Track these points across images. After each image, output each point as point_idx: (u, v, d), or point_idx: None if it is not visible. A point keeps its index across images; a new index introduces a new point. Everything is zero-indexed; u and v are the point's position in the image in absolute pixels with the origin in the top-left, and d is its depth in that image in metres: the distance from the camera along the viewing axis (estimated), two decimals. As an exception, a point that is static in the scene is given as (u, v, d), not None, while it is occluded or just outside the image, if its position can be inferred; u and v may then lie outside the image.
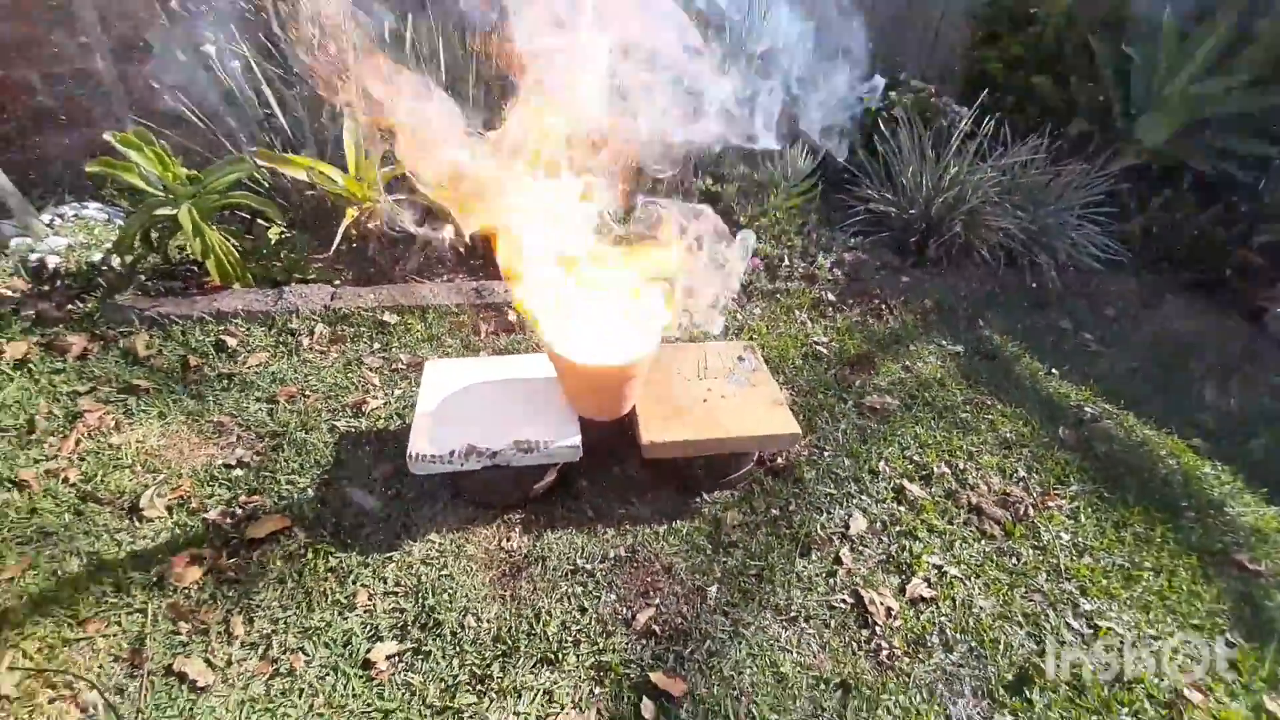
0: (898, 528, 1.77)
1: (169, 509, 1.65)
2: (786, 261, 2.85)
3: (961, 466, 1.98)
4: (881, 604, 1.56)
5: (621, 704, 1.34)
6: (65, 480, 1.69)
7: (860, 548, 1.71)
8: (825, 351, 2.42)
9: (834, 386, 2.25)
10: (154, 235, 2.36)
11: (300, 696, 1.31)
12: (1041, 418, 2.20)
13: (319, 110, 2.63)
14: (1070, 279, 2.97)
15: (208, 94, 2.65)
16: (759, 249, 2.81)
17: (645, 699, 1.34)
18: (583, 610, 1.50)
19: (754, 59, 2.44)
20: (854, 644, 1.49)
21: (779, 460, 1.93)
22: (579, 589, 1.55)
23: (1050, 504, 1.88)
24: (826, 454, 1.97)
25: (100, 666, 1.33)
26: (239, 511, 1.66)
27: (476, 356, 2.25)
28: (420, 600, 1.49)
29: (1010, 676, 1.46)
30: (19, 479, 1.67)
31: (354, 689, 1.33)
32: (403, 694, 1.33)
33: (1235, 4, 2.96)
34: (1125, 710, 1.42)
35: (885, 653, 1.47)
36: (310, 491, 1.72)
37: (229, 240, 2.35)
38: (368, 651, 1.39)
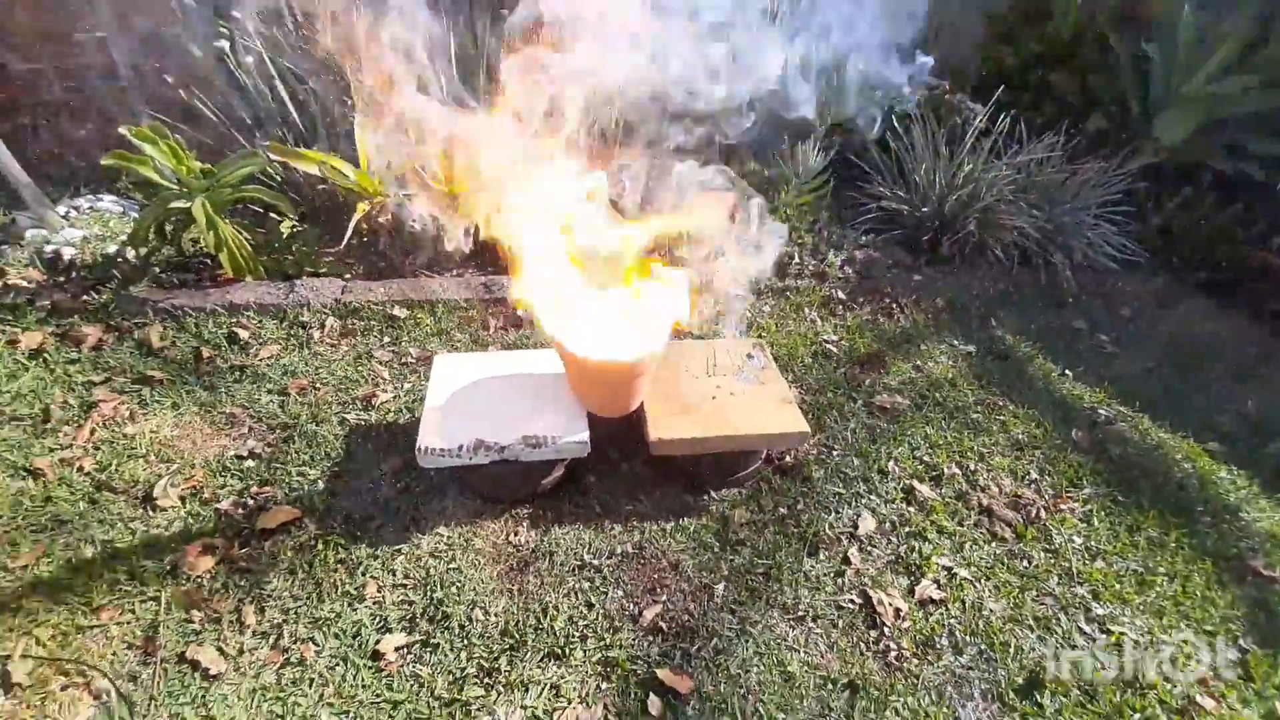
0: (907, 528, 1.76)
1: (182, 499, 1.67)
2: (797, 259, 2.84)
3: (972, 468, 1.96)
4: (890, 605, 1.55)
5: (628, 700, 1.34)
6: (80, 469, 1.71)
7: (869, 548, 1.70)
8: (835, 350, 2.41)
9: (843, 385, 2.23)
10: (168, 228, 2.38)
11: (310, 686, 1.32)
12: (1055, 419, 2.18)
13: (331, 104, 2.64)
14: (1086, 279, 2.93)
15: (222, 88, 2.67)
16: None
17: (652, 695, 1.34)
18: (590, 605, 1.51)
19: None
20: (862, 644, 1.48)
21: (787, 459, 1.92)
22: (586, 584, 1.55)
23: (1063, 507, 1.86)
24: (835, 453, 1.96)
25: (114, 654, 1.35)
26: (251, 502, 1.67)
27: (485, 351, 2.26)
28: (429, 593, 1.50)
29: (1020, 680, 1.44)
30: (34, 467, 1.69)
31: (363, 680, 1.34)
32: (411, 685, 1.34)
33: (1254, 2, 2.92)
34: (1137, 715, 1.40)
35: (894, 654, 1.46)
36: (320, 483, 1.73)
37: (242, 233, 2.37)
38: (377, 643, 1.39)
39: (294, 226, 2.62)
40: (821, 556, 1.66)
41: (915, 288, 2.79)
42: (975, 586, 1.63)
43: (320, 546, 1.57)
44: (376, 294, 2.39)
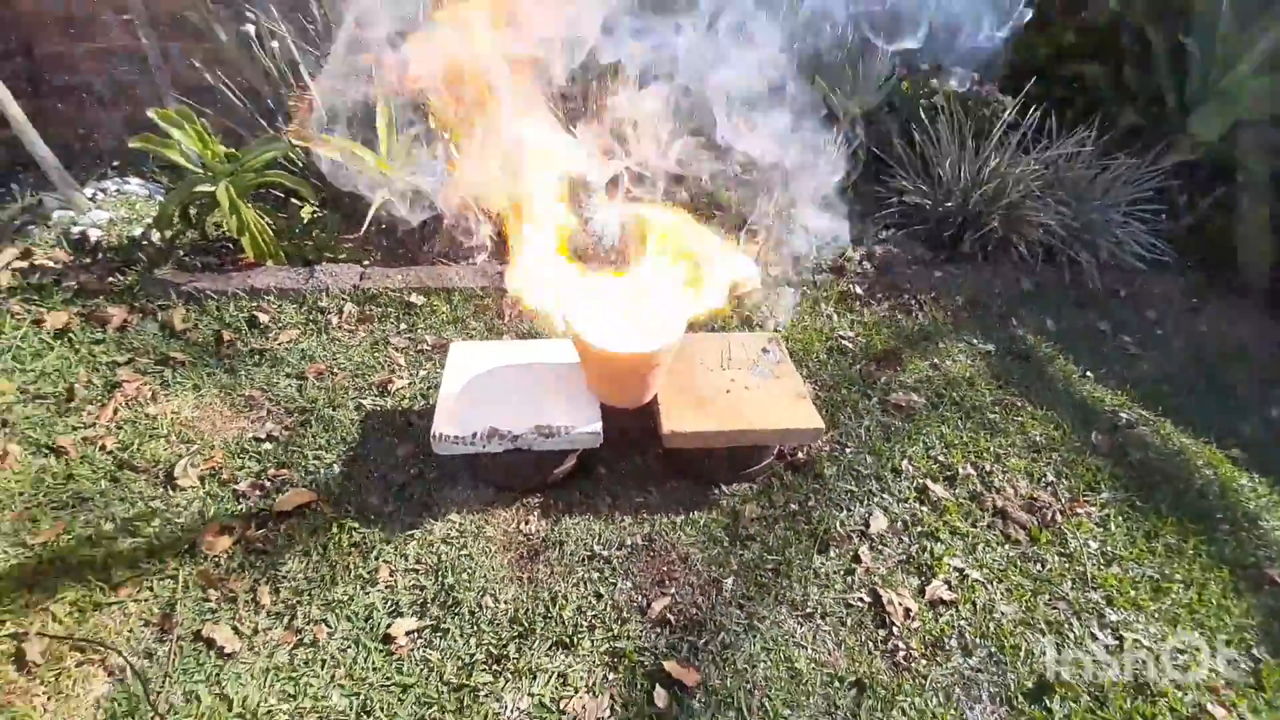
0: (919, 528, 1.74)
1: (201, 479, 1.70)
2: (814, 253, 2.81)
3: (988, 468, 1.94)
4: (900, 604, 1.54)
5: (635, 691, 1.35)
6: (102, 448, 1.74)
7: (880, 547, 1.69)
8: (851, 346, 2.39)
9: (859, 382, 2.21)
10: (193, 212, 2.41)
11: (322, 667, 1.35)
12: (1074, 421, 2.14)
13: (355, 93, 2.65)
14: (1112, 278, 2.87)
15: (247, 72, 2.69)
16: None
17: (658, 687, 1.35)
18: (599, 596, 1.52)
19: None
20: (870, 643, 1.48)
21: (800, 455, 1.91)
22: (595, 575, 1.56)
23: (1079, 511, 1.84)
24: (848, 450, 1.95)
25: (130, 630, 1.38)
26: (268, 484, 1.70)
27: (500, 339, 2.26)
28: (440, 578, 1.52)
29: (1030, 684, 1.43)
30: (57, 445, 1.73)
31: (374, 662, 1.36)
32: (421, 670, 1.36)
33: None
34: (1148, 723, 1.39)
35: (902, 653, 1.46)
36: (336, 468, 1.76)
37: (264, 218, 2.39)
38: (388, 626, 1.41)
39: (314, 212, 2.65)
40: (832, 554, 1.65)
41: (935, 284, 2.75)
42: (987, 588, 1.61)
43: (335, 530, 1.59)
44: (394, 281, 2.40)
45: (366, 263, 2.51)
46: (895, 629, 1.50)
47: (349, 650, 1.38)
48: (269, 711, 1.27)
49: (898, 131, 3.18)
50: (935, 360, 2.36)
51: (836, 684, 1.39)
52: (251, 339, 2.15)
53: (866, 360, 2.32)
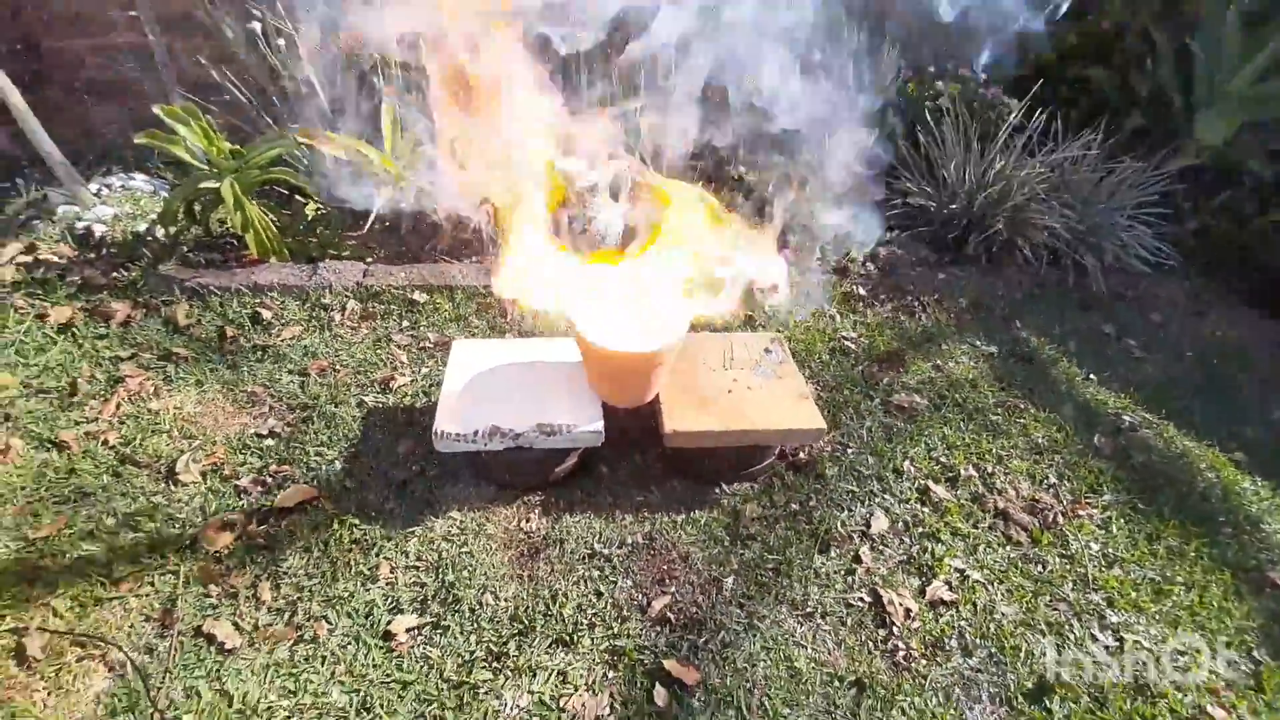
0: (920, 529, 1.74)
1: (203, 474, 1.70)
2: (818, 253, 2.81)
3: (990, 470, 1.94)
4: (900, 605, 1.54)
5: (634, 689, 1.35)
6: (105, 443, 1.75)
7: (881, 547, 1.68)
8: (854, 347, 2.38)
9: (861, 383, 2.21)
10: (197, 208, 2.42)
11: (323, 664, 1.35)
12: (1077, 424, 2.14)
13: (359, 89, 2.66)
14: (1116, 282, 2.87)
15: (253, 69, 2.69)
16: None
17: (658, 685, 1.35)
18: (599, 594, 1.52)
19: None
20: (870, 643, 1.47)
21: (801, 455, 1.91)
22: (596, 573, 1.56)
23: (1081, 513, 1.83)
24: (850, 451, 1.95)
25: (131, 626, 1.38)
26: (269, 480, 1.70)
27: (503, 338, 2.27)
28: (440, 576, 1.52)
29: (1030, 685, 1.43)
30: (59, 440, 1.73)
31: (374, 659, 1.36)
32: (421, 666, 1.36)
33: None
34: (1148, 726, 1.39)
35: (902, 653, 1.45)
36: (338, 464, 1.76)
37: (268, 215, 2.40)
38: (388, 623, 1.42)
39: (318, 209, 2.65)
40: (832, 554, 1.65)
41: (939, 286, 2.75)
42: (988, 589, 1.61)
43: (336, 526, 1.60)
44: (397, 278, 2.41)
45: (369, 260, 2.52)
46: (895, 629, 1.50)
47: (349, 647, 1.38)
48: (269, 708, 1.27)
49: (902, 133, 3.18)
50: (938, 362, 2.36)
51: (836, 683, 1.39)
52: (254, 335, 2.15)
53: (869, 361, 2.32)
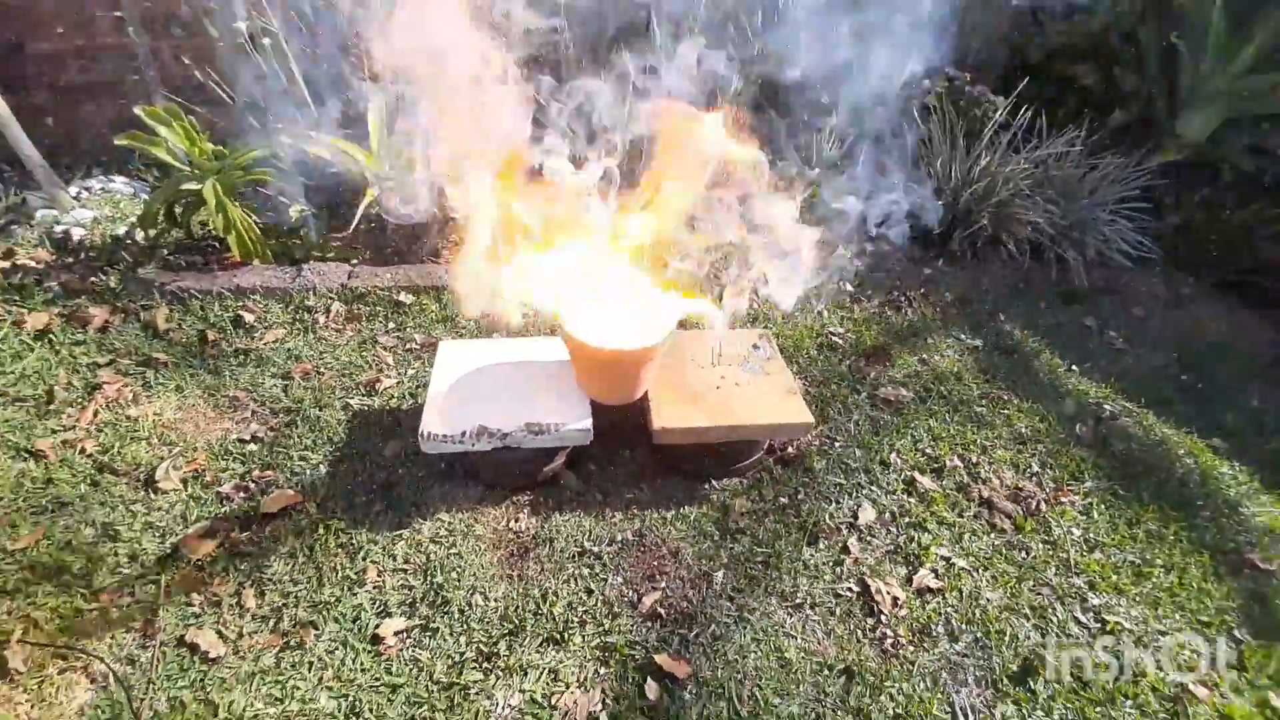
0: (907, 519, 1.76)
1: (184, 482, 1.68)
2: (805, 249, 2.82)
3: (974, 460, 1.96)
4: (888, 593, 1.55)
5: (626, 684, 1.35)
6: (82, 451, 1.72)
7: (868, 538, 1.70)
8: (841, 342, 2.40)
9: (848, 377, 2.23)
10: (178, 210, 2.39)
11: (310, 670, 1.33)
12: (1059, 414, 2.17)
13: (344, 89, 2.63)
14: (1099, 276, 2.91)
15: (236, 70, 2.66)
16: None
17: (650, 680, 1.35)
18: (589, 592, 1.51)
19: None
20: (859, 632, 1.49)
21: (789, 449, 1.92)
22: (586, 571, 1.56)
23: (1063, 500, 1.86)
24: (838, 444, 1.96)
25: (113, 637, 1.36)
26: (252, 486, 1.68)
27: (490, 338, 2.26)
28: (429, 578, 1.51)
29: (1015, 667, 1.45)
30: (36, 449, 1.70)
31: (362, 663, 1.35)
32: (410, 669, 1.35)
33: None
34: (1129, 703, 1.41)
35: (890, 641, 1.47)
36: (323, 468, 1.74)
37: (250, 216, 2.37)
38: (376, 627, 1.40)
39: (302, 210, 2.62)
40: (821, 546, 1.66)
41: (924, 281, 2.77)
42: (973, 576, 1.63)
43: (321, 531, 1.58)
44: (382, 279, 2.39)
45: (354, 261, 2.50)
46: (883, 617, 1.51)
47: (337, 652, 1.37)
48: (255, 715, 1.26)
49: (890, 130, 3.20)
50: (924, 356, 2.38)
51: (826, 672, 1.40)
52: (236, 339, 2.13)
53: (856, 356, 2.34)
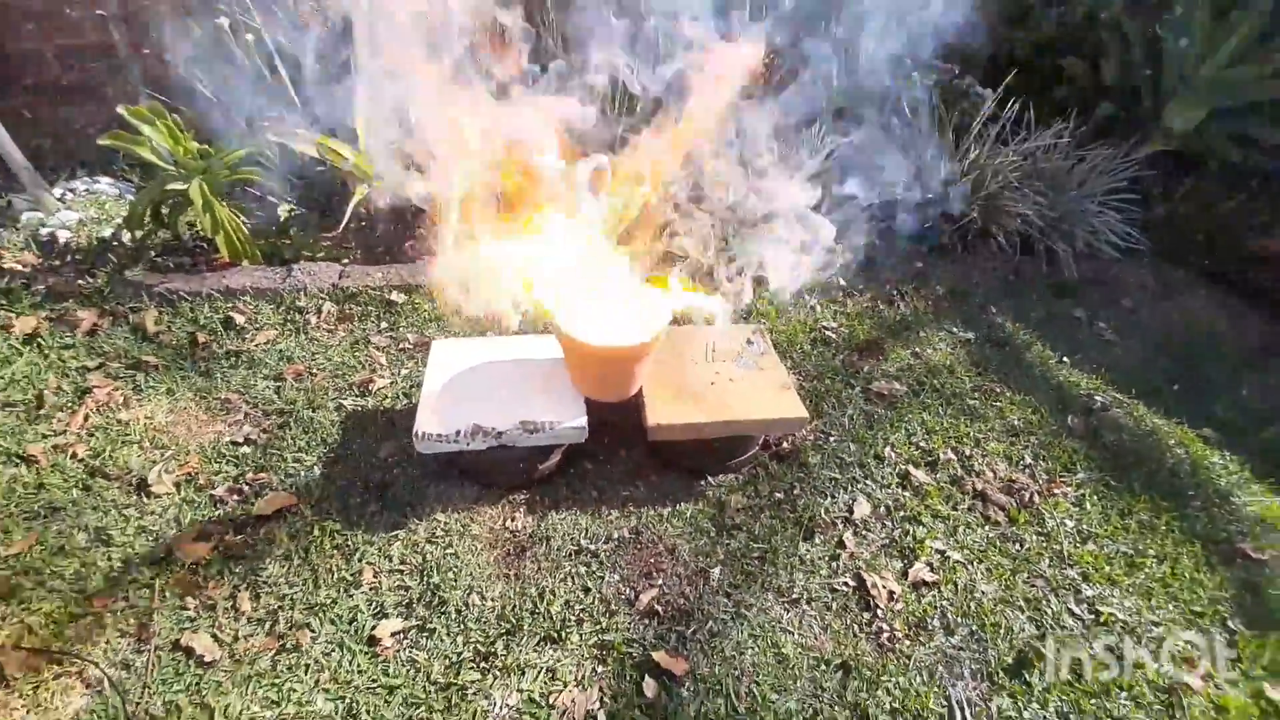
0: (902, 513, 1.76)
1: (177, 485, 1.67)
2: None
3: (968, 453, 1.97)
4: (884, 587, 1.56)
5: (624, 682, 1.35)
6: (73, 455, 1.70)
7: (864, 532, 1.71)
8: (834, 336, 2.41)
9: (842, 372, 2.23)
10: (164, 211, 2.36)
11: (306, 672, 1.33)
12: (1051, 406, 2.18)
13: (331, 86, 2.61)
14: (1088, 267, 2.92)
15: (221, 68, 2.63)
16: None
17: (647, 678, 1.36)
18: (586, 590, 1.51)
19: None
20: (855, 626, 1.49)
21: (784, 444, 1.92)
22: (583, 569, 1.56)
23: (1056, 491, 1.87)
24: (832, 439, 1.97)
25: (107, 641, 1.35)
26: (246, 488, 1.67)
27: (483, 336, 2.25)
28: (425, 578, 1.51)
29: (1010, 660, 1.46)
30: (27, 454, 1.69)
31: (359, 665, 1.35)
32: (408, 670, 1.34)
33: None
34: (1124, 694, 1.42)
35: (886, 635, 1.48)
36: (317, 470, 1.73)
37: (238, 216, 2.35)
38: (373, 628, 1.40)
39: (291, 210, 2.60)
40: (817, 540, 1.67)
41: (916, 275, 2.78)
42: (968, 569, 1.64)
43: (316, 533, 1.57)
44: (374, 279, 2.37)
45: (345, 261, 2.48)
46: (879, 611, 1.52)
47: (333, 654, 1.36)
48: (252, 719, 1.25)
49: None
50: (916, 349, 2.39)
51: (823, 667, 1.41)
52: (227, 341, 2.11)
53: (849, 350, 2.34)
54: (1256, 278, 3.00)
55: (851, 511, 1.75)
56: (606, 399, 1.75)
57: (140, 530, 1.55)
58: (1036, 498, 1.84)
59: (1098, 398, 2.25)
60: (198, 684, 1.30)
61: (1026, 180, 2.94)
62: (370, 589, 1.48)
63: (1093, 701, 1.40)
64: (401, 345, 2.18)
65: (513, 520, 1.66)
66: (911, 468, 1.89)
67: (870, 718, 1.34)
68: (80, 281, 2.23)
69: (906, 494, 1.82)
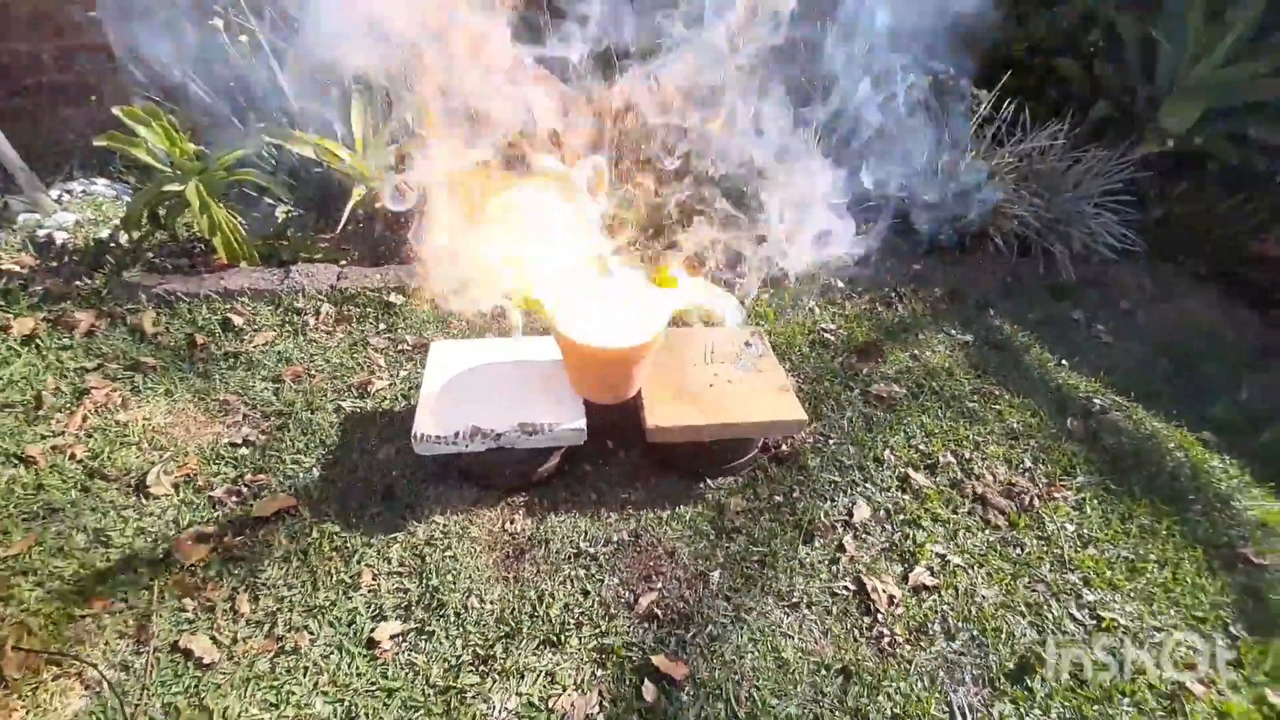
0: (901, 516, 1.76)
1: (175, 486, 1.66)
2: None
3: (967, 456, 1.97)
4: (884, 591, 1.56)
5: (623, 686, 1.35)
6: (72, 456, 1.70)
7: (863, 535, 1.70)
8: (833, 339, 2.40)
9: (840, 374, 2.23)
10: (161, 212, 2.35)
11: (305, 674, 1.32)
12: (1050, 409, 2.18)
13: (328, 87, 2.61)
14: (1085, 269, 2.92)
15: (216, 69, 2.63)
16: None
17: (647, 681, 1.35)
18: (585, 593, 1.51)
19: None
20: (855, 630, 1.49)
21: (783, 447, 1.92)
22: (582, 572, 1.55)
23: (1056, 495, 1.87)
24: (831, 441, 1.96)
25: (106, 643, 1.34)
26: (245, 490, 1.67)
27: (482, 338, 2.24)
28: (424, 581, 1.50)
29: (1012, 665, 1.46)
30: (26, 455, 1.68)
31: (358, 668, 1.34)
32: (406, 673, 1.34)
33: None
34: (1126, 700, 1.42)
35: (887, 640, 1.47)
36: (316, 471, 1.73)
37: (236, 218, 2.35)
38: (372, 631, 1.40)
39: (289, 211, 2.60)
40: (816, 544, 1.67)
41: (914, 277, 2.78)
42: (968, 573, 1.64)
43: (315, 534, 1.57)
44: (372, 280, 2.37)
45: (343, 262, 2.48)
46: (880, 616, 1.51)
47: (332, 656, 1.36)
48: (251, 720, 1.25)
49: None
50: (915, 351, 2.39)
51: (823, 672, 1.41)
52: (225, 342, 2.10)
53: (848, 352, 2.34)
54: (1255, 278, 3.00)
55: (851, 515, 1.75)
56: (605, 401, 1.75)
57: (139, 531, 1.55)
58: (1036, 501, 1.84)
59: (1097, 400, 2.25)
60: (196, 686, 1.29)
61: (1023, 182, 2.94)
62: (369, 591, 1.47)
63: (1095, 708, 1.40)
64: (400, 347, 2.18)
65: (512, 522, 1.65)
66: (911, 471, 1.89)
67: (870, 722, 1.34)
68: (78, 283, 2.22)
69: (906, 497, 1.82)
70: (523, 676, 1.35)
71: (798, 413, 1.72)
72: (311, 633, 1.39)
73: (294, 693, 1.29)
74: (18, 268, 2.27)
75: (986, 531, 1.75)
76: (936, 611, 1.54)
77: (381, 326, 2.25)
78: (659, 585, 1.54)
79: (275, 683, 1.31)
